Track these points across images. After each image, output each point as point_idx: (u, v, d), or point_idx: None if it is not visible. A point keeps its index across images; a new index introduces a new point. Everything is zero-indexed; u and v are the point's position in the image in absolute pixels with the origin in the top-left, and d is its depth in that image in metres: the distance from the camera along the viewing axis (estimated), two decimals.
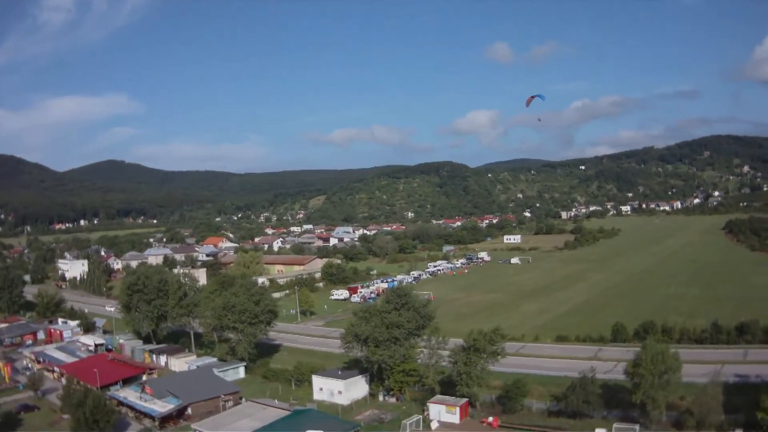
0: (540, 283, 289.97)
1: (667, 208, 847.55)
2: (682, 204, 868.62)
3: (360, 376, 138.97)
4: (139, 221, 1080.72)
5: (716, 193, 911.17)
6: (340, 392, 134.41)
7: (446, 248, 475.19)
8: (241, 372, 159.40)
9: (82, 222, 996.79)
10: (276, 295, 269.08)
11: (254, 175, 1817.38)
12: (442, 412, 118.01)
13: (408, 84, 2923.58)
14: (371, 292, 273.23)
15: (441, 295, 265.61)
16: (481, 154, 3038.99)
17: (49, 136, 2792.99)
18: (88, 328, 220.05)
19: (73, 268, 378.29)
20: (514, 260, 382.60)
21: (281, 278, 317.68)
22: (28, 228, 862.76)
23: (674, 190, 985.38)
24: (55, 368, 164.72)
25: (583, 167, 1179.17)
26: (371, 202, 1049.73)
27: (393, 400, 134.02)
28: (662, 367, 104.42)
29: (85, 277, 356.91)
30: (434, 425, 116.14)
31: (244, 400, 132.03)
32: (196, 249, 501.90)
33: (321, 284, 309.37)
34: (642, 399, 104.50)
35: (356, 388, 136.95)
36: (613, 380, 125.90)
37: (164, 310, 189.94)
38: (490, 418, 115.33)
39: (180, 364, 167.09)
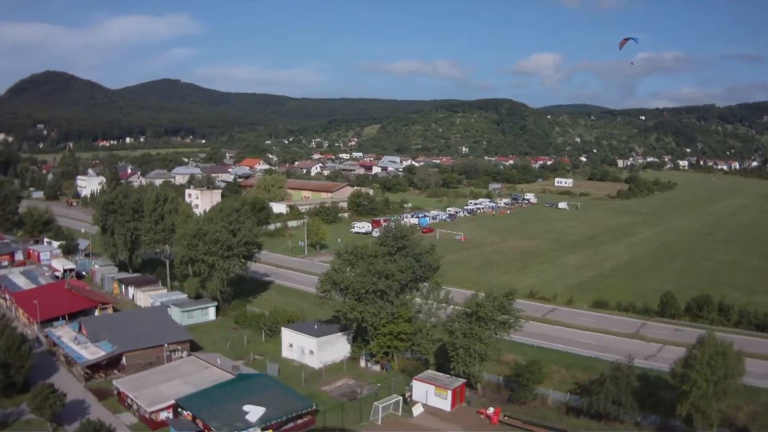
0: (585, 233, 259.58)
1: (725, 167, 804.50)
2: (740, 165, 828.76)
3: (340, 334, 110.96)
4: (188, 141, 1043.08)
5: None
6: (311, 352, 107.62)
7: (492, 186, 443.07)
8: (210, 313, 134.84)
9: (128, 140, 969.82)
10: (292, 223, 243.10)
11: (311, 101, 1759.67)
12: (429, 393, 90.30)
13: (474, 21, 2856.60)
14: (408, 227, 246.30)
15: (473, 237, 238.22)
16: (542, 96, 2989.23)
17: (106, 56, 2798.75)
18: (70, 250, 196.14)
19: (90, 185, 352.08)
20: (562, 205, 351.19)
21: (303, 205, 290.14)
22: (70, 144, 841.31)
23: (732, 150, 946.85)
24: (7, 295, 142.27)
25: (643, 117, 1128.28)
26: (426, 134, 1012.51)
27: (377, 368, 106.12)
28: (722, 371, 75.12)
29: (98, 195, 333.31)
30: (417, 410, 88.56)
31: (185, 354, 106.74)
32: (229, 170, 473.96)
33: (346, 215, 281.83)
34: (689, 411, 75.74)
35: (333, 348, 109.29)
36: (655, 370, 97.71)
37: (138, 234, 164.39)
38: (490, 410, 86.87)
39: (145, 298, 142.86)
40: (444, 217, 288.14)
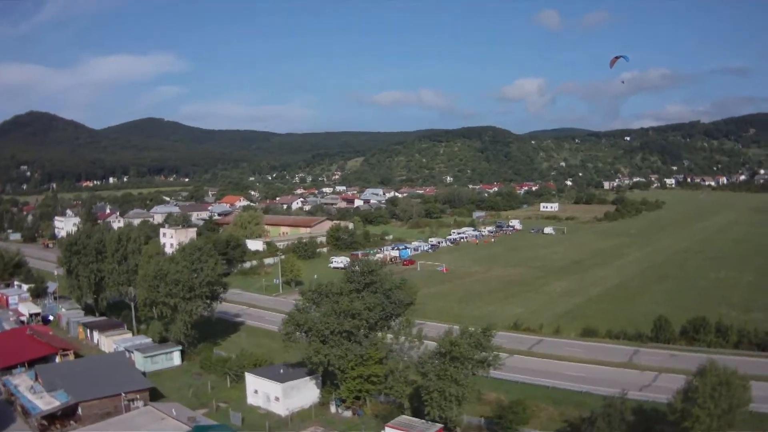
0: (571, 258, 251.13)
1: (713, 183, 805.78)
2: (728, 179, 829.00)
3: (308, 378, 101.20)
4: (171, 179, 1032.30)
5: (762, 171, 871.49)
6: (277, 398, 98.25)
7: (476, 214, 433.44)
8: (175, 358, 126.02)
9: (111, 180, 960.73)
10: (269, 260, 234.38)
11: (295, 136, 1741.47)
12: None
13: (456, 50, 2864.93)
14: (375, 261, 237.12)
15: (456, 267, 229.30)
16: (527, 121, 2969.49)
17: (90, 96, 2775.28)
18: (39, 293, 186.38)
19: (67, 226, 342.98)
20: (548, 230, 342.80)
21: (281, 241, 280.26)
22: (54, 185, 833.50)
23: (719, 166, 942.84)
24: None
25: (628, 138, 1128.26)
26: (410, 165, 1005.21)
27: (348, 413, 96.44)
28: (726, 403, 66.34)
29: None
30: None
31: (143, 403, 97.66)
32: (208, 208, 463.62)
33: (325, 249, 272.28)
34: None
35: (300, 394, 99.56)
36: (651, 402, 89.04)
37: (102, 276, 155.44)
38: None
39: (108, 343, 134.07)
40: (426, 248, 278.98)
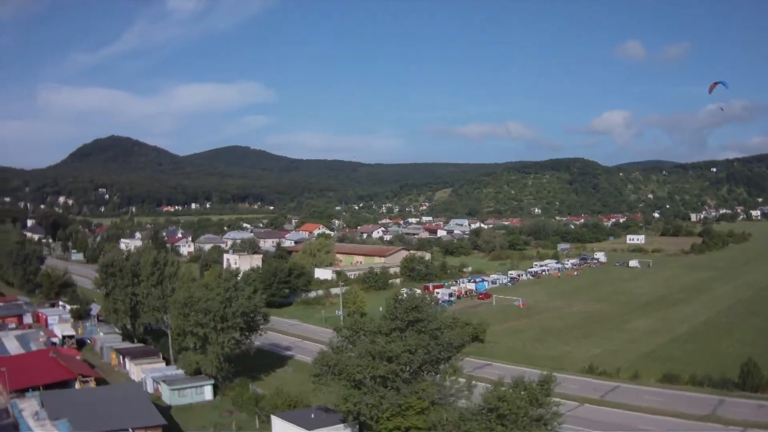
0: (657, 292, 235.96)
1: None
2: None
3: (341, 426, 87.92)
4: (255, 207, 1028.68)
5: None
6: None
7: (561, 246, 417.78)
8: (206, 392, 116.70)
9: (193, 205, 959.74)
10: (335, 290, 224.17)
11: (382, 166, 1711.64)
12: None
13: (541, 82, 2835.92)
14: (450, 294, 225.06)
15: (534, 302, 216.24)
16: (614, 154, 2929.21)
17: (174, 123, 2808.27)
18: (81, 314, 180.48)
19: (131, 248, 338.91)
20: (633, 263, 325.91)
21: (352, 271, 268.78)
22: (133, 209, 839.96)
23: None
24: None
25: (714, 169, 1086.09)
26: (498, 197, 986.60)
27: None
28: None
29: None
30: None
31: None
32: (285, 235, 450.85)
33: (398, 280, 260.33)
34: None
35: None
36: None
37: (138, 300, 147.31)
38: None
39: (137, 371, 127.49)
40: (505, 280, 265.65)
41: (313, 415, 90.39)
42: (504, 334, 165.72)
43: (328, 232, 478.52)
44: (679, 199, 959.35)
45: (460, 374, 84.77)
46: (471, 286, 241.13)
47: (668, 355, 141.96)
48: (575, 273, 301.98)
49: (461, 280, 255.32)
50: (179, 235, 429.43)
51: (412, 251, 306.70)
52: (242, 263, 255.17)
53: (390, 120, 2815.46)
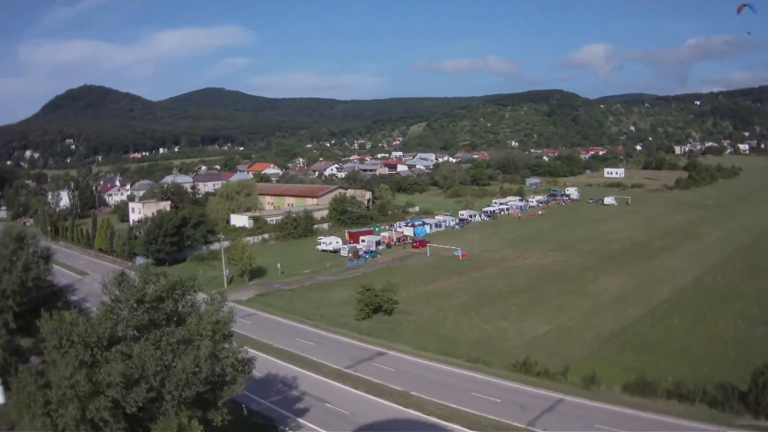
0: (634, 237, 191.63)
1: None
2: None
3: None
4: (225, 148, 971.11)
5: None
6: None
7: (530, 181, 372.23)
8: None
9: (161, 150, 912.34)
10: (251, 239, 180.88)
11: (359, 102, 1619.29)
12: None
13: (523, 15, 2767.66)
14: (377, 242, 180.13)
15: (480, 252, 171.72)
16: (594, 88, 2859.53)
17: (153, 70, 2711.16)
18: None
19: (62, 202, 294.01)
20: (608, 200, 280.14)
21: (273, 216, 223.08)
22: (99, 158, 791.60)
23: None
24: None
25: (698, 102, 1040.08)
26: (474, 130, 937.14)
27: None
28: None
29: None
30: None
31: None
32: (229, 177, 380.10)
33: (325, 225, 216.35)
34: None
35: None
36: None
37: None
38: None
39: None
40: (453, 223, 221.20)
41: None
42: (424, 301, 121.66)
43: (275, 171, 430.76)
44: (662, 132, 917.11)
45: None
46: (408, 231, 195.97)
47: (642, 338, 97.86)
48: (540, 212, 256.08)
49: (398, 223, 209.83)
50: (117, 183, 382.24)
51: (345, 190, 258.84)
52: (146, 211, 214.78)
53: (370, 59, 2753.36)
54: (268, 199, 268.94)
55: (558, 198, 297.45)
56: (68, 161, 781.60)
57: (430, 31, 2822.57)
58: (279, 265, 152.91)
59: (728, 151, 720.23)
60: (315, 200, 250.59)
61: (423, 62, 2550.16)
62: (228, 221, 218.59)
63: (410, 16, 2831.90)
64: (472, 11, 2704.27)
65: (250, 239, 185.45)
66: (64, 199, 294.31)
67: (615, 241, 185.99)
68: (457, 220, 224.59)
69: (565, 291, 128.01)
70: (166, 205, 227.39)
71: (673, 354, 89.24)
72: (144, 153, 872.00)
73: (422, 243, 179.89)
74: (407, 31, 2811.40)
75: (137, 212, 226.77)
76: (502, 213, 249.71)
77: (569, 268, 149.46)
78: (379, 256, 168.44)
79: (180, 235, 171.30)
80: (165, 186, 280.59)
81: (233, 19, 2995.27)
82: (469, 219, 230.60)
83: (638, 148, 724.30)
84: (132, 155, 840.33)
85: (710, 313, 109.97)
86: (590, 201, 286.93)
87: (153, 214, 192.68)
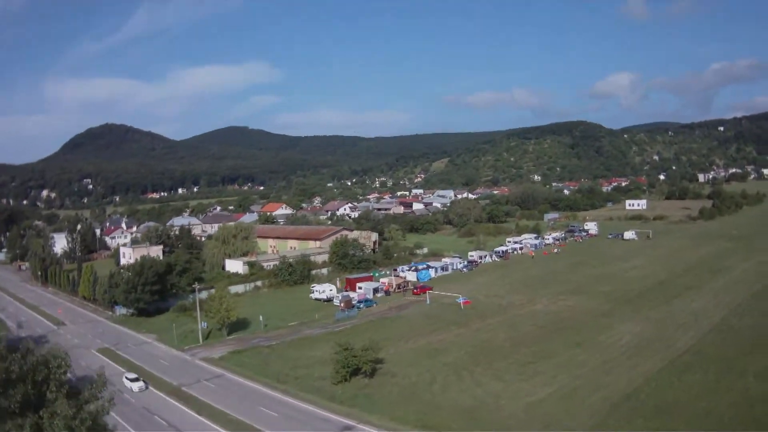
0: (655, 276, 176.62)
1: None
2: None
3: None
4: (245, 188, 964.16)
5: None
6: None
7: (549, 216, 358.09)
8: None
9: (180, 191, 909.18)
10: (237, 288, 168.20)
11: (383, 140, 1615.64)
12: None
13: (546, 46, 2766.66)
14: (375, 289, 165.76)
15: (486, 297, 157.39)
16: (618, 117, 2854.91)
17: (179, 108, 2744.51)
18: None
19: (59, 242, 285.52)
20: (629, 235, 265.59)
21: (269, 261, 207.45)
22: (116, 198, 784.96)
23: None
24: None
25: (722, 128, 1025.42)
26: (497, 165, 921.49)
27: None
28: None
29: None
30: None
31: None
32: (238, 218, 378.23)
33: (325, 270, 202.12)
34: None
35: None
36: None
37: None
38: None
39: None
40: (460, 265, 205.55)
41: None
42: (413, 358, 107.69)
43: (286, 212, 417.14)
44: (685, 160, 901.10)
45: None
46: (411, 275, 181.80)
47: (657, 399, 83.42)
48: (555, 251, 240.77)
49: (401, 268, 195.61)
50: (122, 225, 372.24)
51: (356, 231, 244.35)
52: (136, 256, 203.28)
53: (398, 95, 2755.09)
54: (270, 242, 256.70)
55: (576, 234, 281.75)
56: (85, 201, 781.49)
57: (457, 66, 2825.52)
58: (261, 318, 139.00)
59: (752, 176, 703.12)
60: (318, 243, 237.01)
61: (447, 98, 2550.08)
62: (223, 267, 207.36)
63: (436, 51, 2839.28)
64: (497, 43, 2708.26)
65: (239, 288, 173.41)
66: (61, 243, 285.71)
67: (634, 280, 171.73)
68: (466, 262, 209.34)
69: (574, 342, 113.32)
70: (158, 250, 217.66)
71: (692, 418, 75.62)
72: (162, 193, 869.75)
73: (424, 289, 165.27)
74: (434, 65, 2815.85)
75: (127, 257, 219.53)
76: (516, 252, 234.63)
77: (581, 315, 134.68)
78: (375, 305, 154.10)
79: (163, 283, 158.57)
80: (160, 229, 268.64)
81: (262, 57, 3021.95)
82: (479, 261, 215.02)
83: (661, 177, 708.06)
84: (150, 195, 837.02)
85: (736, 363, 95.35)
86: (610, 236, 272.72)
87: (137, 259, 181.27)
